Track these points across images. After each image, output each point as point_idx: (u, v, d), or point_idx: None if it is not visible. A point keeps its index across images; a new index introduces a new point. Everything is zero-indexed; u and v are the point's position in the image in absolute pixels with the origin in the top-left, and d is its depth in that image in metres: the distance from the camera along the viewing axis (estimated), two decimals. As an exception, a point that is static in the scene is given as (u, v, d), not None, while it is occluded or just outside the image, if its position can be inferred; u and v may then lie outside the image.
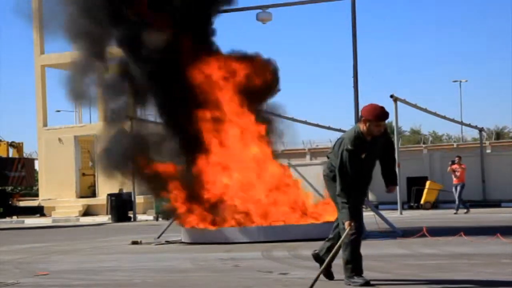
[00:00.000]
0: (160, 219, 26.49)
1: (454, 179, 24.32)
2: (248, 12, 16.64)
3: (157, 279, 8.94)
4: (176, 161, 15.30)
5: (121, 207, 29.07)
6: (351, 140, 7.43)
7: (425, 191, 28.39)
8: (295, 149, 38.40)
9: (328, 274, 7.87)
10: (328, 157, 7.84)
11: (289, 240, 13.42)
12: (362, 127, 7.47)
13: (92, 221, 29.75)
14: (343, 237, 7.54)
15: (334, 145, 7.73)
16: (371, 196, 29.57)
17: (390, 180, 7.77)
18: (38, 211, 31.74)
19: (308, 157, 37.70)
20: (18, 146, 30.77)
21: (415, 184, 28.52)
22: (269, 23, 16.82)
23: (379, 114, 7.41)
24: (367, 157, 7.48)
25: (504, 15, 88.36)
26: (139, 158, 15.39)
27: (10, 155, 30.18)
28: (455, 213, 23.33)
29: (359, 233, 7.54)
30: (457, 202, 24.03)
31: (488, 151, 33.35)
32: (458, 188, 24.09)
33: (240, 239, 13.68)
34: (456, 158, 24.74)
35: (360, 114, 7.56)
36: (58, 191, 34.62)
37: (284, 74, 77.72)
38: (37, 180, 36.82)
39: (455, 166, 24.40)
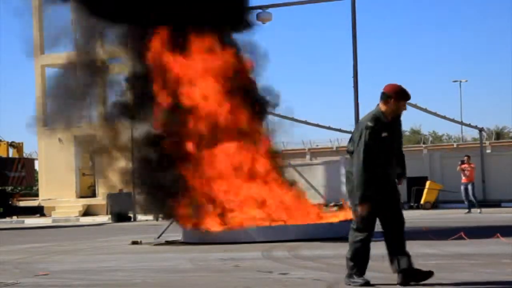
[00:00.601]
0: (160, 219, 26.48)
1: (463, 178, 24.52)
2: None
3: (157, 279, 8.94)
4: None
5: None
6: (370, 119, 7.33)
7: (425, 191, 28.40)
8: (295, 148, 38.40)
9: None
10: (348, 152, 7.61)
11: (289, 240, 13.42)
12: (386, 107, 7.36)
13: (92, 221, 29.74)
14: (349, 236, 7.53)
15: (353, 134, 7.58)
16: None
17: (399, 171, 7.65)
18: (38, 211, 31.72)
19: (308, 157, 37.68)
20: (18, 146, 30.77)
21: (415, 184, 28.51)
22: (269, 23, 16.81)
23: (407, 92, 7.40)
24: (388, 138, 7.33)
25: (504, 15, 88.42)
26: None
27: (10, 155, 30.18)
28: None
29: (368, 236, 7.47)
30: (474, 201, 24.29)
31: (488, 151, 33.33)
32: (469, 187, 24.37)
33: (240, 239, 13.68)
34: (465, 158, 24.93)
35: (383, 93, 7.38)
36: (58, 191, 34.59)
37: (284, 74, 77.68)
38: (37, 180, 36.81)
39: (464, 166, 24.56)
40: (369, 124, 7.28)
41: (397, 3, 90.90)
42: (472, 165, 24.74)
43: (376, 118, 7.33)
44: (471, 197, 24.31)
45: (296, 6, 17.25)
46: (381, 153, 7.29)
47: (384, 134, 7.29)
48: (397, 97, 7.34)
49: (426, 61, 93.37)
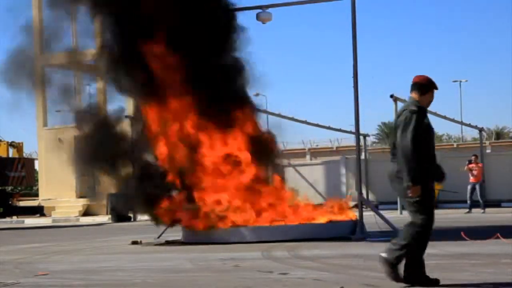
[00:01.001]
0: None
1: (471, 178, 24.62)
2: (248, 12, 16.61)
3: (157, 279, 8.94)
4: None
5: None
6: (412, 105, 7.18)
7: (425, 191, 28.36)
8: (295, 149, 38.42)
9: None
10: (393, 154, 7.27)
11: (289, 240, 13.42)
12: (423, 98, 7.22)
13: (92, 221, 29.74)
14: (406, 229, 7.16)
15: (396, 128, 7.22)
16: (370, 196, 29.61)
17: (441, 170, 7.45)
18: (38, 211, 31.72)
19: (308, 157, 37.70)
20: (18, 146, 30.77)
21: (415, 184, 28.44)
22: (269, 23, 16.79)
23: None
24: (429, 127, 7.20)
25: (504, 15, 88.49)
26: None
27: (10, 155, 30.19)
28: (482, 213, 23.67)
29: (428, 226, 7.14)
30: (481, 201, 24.35)
31: (488, 151, 33.34)
32: (477, 187, 24.50)
33: (240, 239, 13.67)
34: (473, 157, 25.00)
35: (422, 85, 7.24)
36: (58, 191, 34.59)
37: (285, 74, 77.64)
38: (37, 180, 36.80)
39: (472, 165, 24.62)
40: (414, 108, 7.13)
41: (397, 3, 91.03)
42: (479, 165, 24.86)
43: (418, 105, 7.21)
44: (479, 197, 24.35)
45: (296, 6, 17.20)
46: (426, 142, 7.12)
47: (426, 121, 7.18)
48: (433, 87, 7.30)
49: (426, 61, 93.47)
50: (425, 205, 7.12)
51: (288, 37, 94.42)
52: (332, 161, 32.86)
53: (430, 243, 12.23)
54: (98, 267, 10.60)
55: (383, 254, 7.16)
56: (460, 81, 60.54)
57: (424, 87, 7.28)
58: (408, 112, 7.13)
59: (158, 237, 15.25)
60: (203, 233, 14.19)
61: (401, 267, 7.15)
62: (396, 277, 7.13)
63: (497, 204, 27.69)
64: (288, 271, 9.14)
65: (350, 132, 31.09)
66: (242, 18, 16.30)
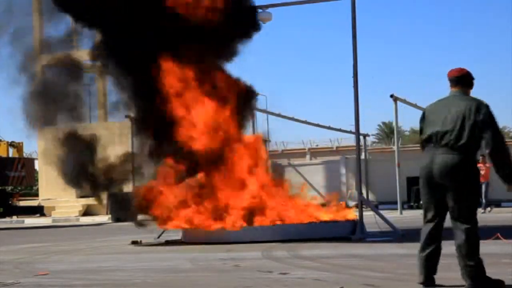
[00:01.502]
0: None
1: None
2: (248, 12, 16.60)
3: (157, 279, 8.93)
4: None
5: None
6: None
7: (425, 191, 28.35)
8: (295, 148, 38.43)
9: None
10: (451, 147, 7.12)
11: (289, 240, 13.41)
12: (470, 90, 7.22)
13: (92, 221, 29.75)
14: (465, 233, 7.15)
15: (481, 124, 7.11)
16: (370, 196, 29.62)
17: None
18: (38, 211, 31.76)
19: (308, 157, 37.70)
20: (18, 146, 30.79)
21: (415, 184, 28.44)
22: (269, 23, 16.79)
23: None
24: None
25: (504, 15, 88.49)
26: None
27: (10, 155, 30.20)
28: (482, 212, 23.70)
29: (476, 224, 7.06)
30: (483, 201, 24.41)
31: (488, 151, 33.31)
32: (483, 187, 24.53)
33: (240, 239, 13.67)
34: (481, 157, 24.99)
35: (470, 78, 7.21)
36: (58, 191, 34.56)
37: (285, 74, 77.56)
38: (37, 180, 36.80)
39: (479, 165, 24.66)
40: (485, 102, 6.99)
41: (397, 3, 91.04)
42: (487, 165, 24.88)
43: None
44: (482, 197, 24.43)
45: (296, 6, 17.22)
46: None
47: None
48: (473, 80, 7.25)
49: (426, 61, 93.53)
50: (476, 207, 7.09)
51: (288, 37, 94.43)
52: (332, 161, 32.89)
53: (430, 243, 12.16)
54: (98, 267, 10.60)
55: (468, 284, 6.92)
56: (460, 81, 60.47)
57: (468, 79, 7.22)
58: (486, 108, 6.97)
59: (158, 237, 15.27)
60: (203, 233, 14.20)
61: (489, 273, 7.18)
62: (495, 283, 7.10)
63: (497, 204, 27.71)
64: (288, 271, 9.13)
65: (350, 132, 31.11)
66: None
